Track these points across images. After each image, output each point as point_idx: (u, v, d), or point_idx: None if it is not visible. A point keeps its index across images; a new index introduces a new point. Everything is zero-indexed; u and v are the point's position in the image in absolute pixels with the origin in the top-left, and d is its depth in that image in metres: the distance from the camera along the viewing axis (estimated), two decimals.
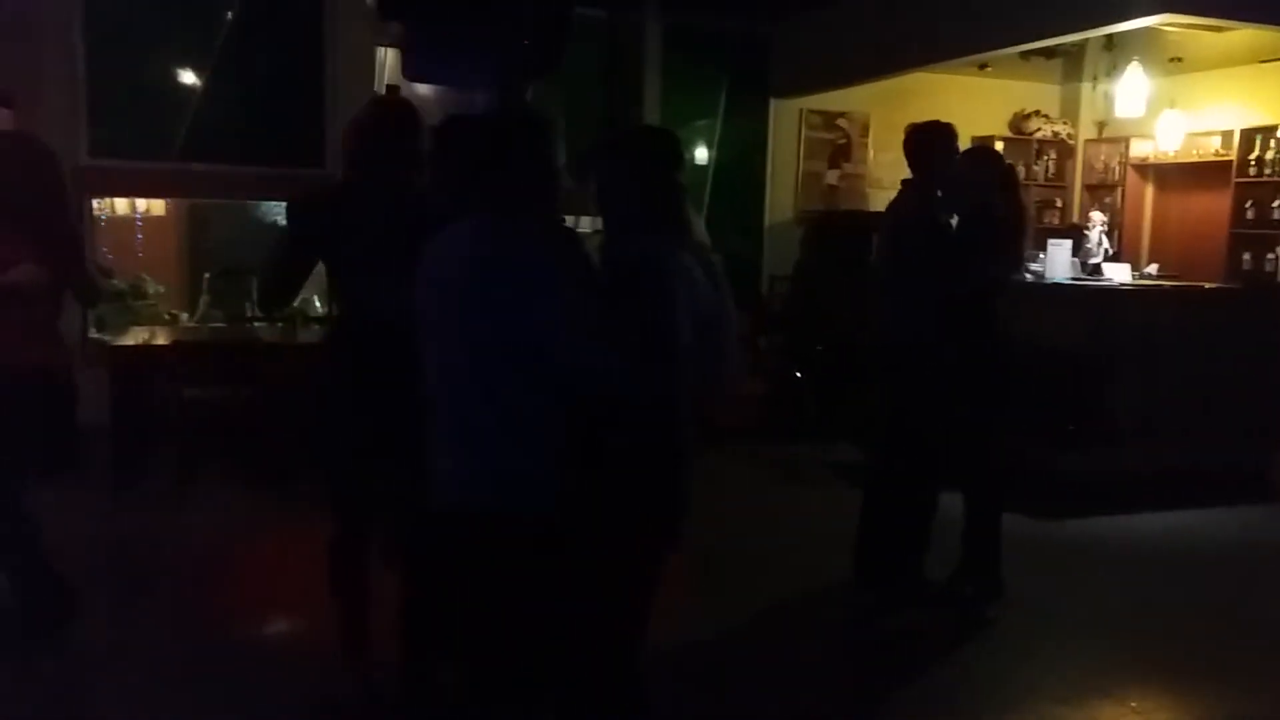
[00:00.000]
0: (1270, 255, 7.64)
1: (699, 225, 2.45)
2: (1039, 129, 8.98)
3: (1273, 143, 7.64)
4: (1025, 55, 7.29)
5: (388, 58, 6.74)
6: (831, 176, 8.55)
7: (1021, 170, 8.74)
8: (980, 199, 3.92)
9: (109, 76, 6.61)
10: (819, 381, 7.01)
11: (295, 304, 7.37)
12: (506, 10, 4.19)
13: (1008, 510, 4.17)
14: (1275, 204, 7.64)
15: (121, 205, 6.95)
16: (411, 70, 4.44)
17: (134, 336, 6.01)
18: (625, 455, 2.27)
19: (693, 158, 8.12)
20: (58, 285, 3.39)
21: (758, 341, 7.57)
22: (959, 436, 3.99)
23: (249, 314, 6.76)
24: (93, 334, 6.54)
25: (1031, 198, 8.69)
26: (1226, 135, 7.99)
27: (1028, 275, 6.13)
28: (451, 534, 2.29)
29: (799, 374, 7.13)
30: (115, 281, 6.83)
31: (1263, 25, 5.80)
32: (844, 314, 6.61)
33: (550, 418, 2.22)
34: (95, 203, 6.91)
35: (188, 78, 6.82)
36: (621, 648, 2.41)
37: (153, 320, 6.68)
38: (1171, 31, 6.49)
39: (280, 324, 6.80)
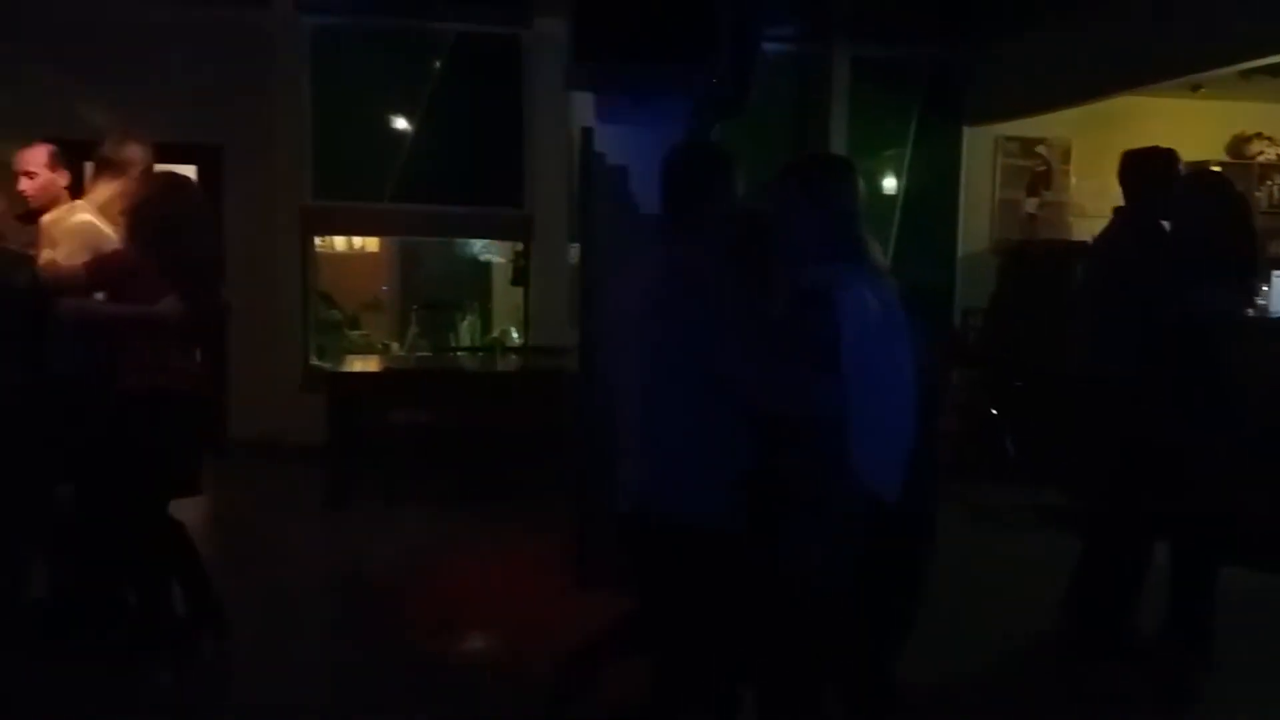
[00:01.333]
0: None
1: (876, 251, 2.45)
2: (1261, 152, 8.33)
3: None
4: (1246, 74, 6.81)
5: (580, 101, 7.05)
6: (1030, 205, 8.23)
7: None
8: (1204, 228, 3.68)
9: (332, 124, 7.19)
10: (1018, 420, 6.73)
11: (495, 334, 7.80)
12: (696, 52, 4.30)
13: (1229, 563, 3.87)
14: None
15: (339, 243, 7.51)
16: (604, 112, 4.63)
17: (349, 364, 6.48)
18: (804, 473, 2.31)
19: (880, 187, 8.01)
20: (198, 315, 3.54)
21: (950, 376, 7.35)
22: (1178, 480, 3.71)
23: (453, 344, 7.15)
24: (313, 361, 7.08)
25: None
26: None
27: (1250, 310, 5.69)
28: (634, 539, 2.46)
29: (995, 411, 6.86)
30: (334, 312, 7.39)
31: None
32: (1045, 349, 6.33)
33: (730, 434, 2.34)
34: (317, 240, 7.51)
35: (400, 124, 7.33)
36: (795, 671, 2.42)
37: (366, 349, 7.17)
38: None
39: (481, 354, 7.16)
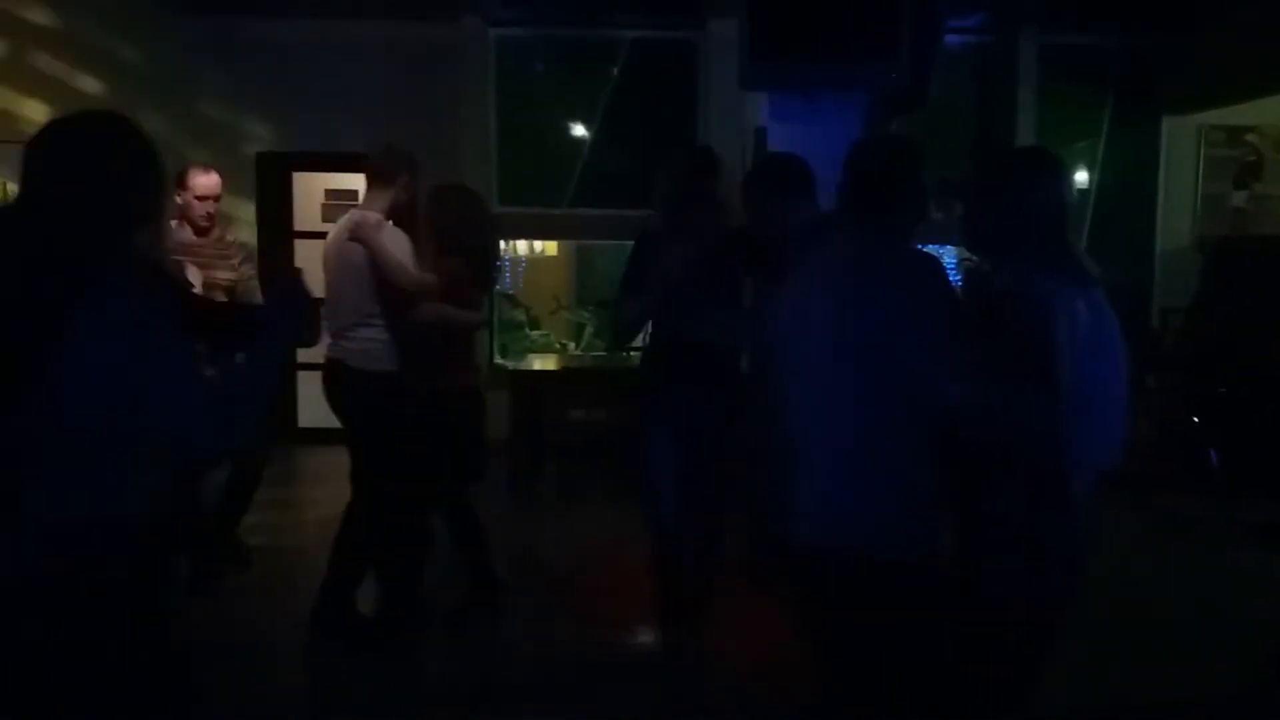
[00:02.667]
0: None
1: (1080, 251, 2.27)
2: None
3: None
4: None
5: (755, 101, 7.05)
6: (1238, 198, 7.64)
7: None
8: None
9: (515, 132, 7.48)
10: (1222, 428, 6.27)
11: None
12: (874, 47, 4.24)
13: None
14: None
15: (522, 247, 7.78)
16: (778, 111, 4.62)
17: (529, 363, 6.72)
18: (1010, 504, 2.12)
19: (1072, 181, 7.63)
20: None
21: (1146, 380, 6.92)
22: None
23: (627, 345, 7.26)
24: (496, 360, 7.37)
25: None
26: None
27: None
28: (816, 570, 2.25)
29: (1196, 419, 6.42)
30: (517, 312, 7.67)
31: None
32: (1254, 352, 5.88)
33: (922, 459, 2.14)
34: (502, 244, 7.79)
35: (578, 130, 7.54)
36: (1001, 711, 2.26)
37: (545, 349, 7.41)
38: None
39: None
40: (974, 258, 2.39)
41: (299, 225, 7.54)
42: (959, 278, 2.52)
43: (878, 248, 2.24)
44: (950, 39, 7.04)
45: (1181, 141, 7.66)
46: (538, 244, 7.86)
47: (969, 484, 2.15)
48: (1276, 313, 4.93)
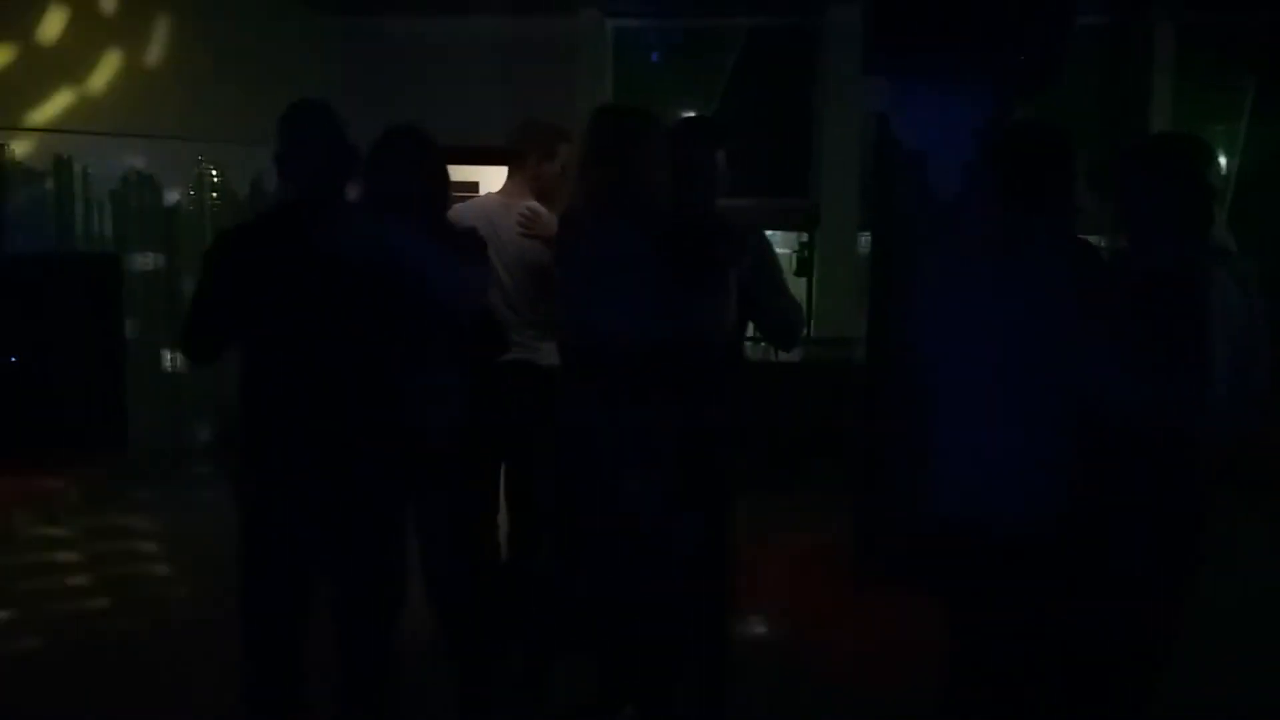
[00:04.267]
0: None
1: (1224, 232, 2.32)
2: None
3: None
4: None
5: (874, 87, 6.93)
6: None
7: None
8: None
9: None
10: None
11: None
12: (1004, 29, 4.11)
13: None
14: None
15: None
16: (900, 97, 4.52)
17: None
18: (1145, 484, 2.18)
19: (1218, 165, 7.28)
20: None
21: None
22: None
23: None
24: None
25: None
26: None
27: None
28: (960, 548, 2.34)
29: None
30: None
31: None
32: None
33: (1068, 440, 2.20)
34: None
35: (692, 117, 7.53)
36: (1123, 696, 2.28)
37: None
38: None
39: (762, 345, 7.21)
40: (1131, 239, 2.39)
41: None
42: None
43: (1030, 235, 2.27)
44: (1083, 20, 6.80)
45: None
46: None
47: (1106, 463, 2.20)
48: None
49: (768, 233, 8.74)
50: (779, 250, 8.53)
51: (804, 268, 7.55)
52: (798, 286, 7.79)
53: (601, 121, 2.76)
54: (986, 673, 2.39)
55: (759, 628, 4.08)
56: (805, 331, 7.35)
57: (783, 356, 7.14)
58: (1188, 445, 2.17)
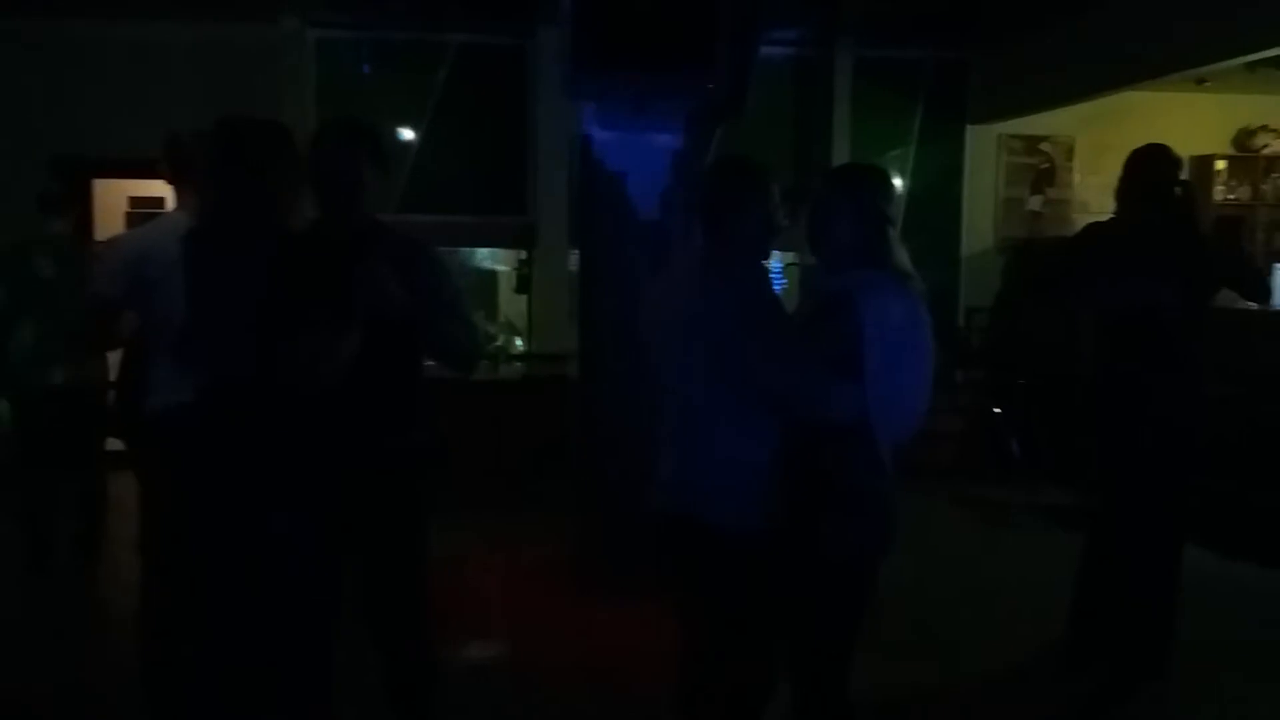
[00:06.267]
0: None
1: (904, 257, 2.53)
2: (1267, 145, 8.30)
3: None
4: (1251, 67, 6.79)
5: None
6: (1034, 203, 8.22)
7: (1247, 190, 8.15)
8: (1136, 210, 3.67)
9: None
10: (1022, 418, 6.72)
11: (499, 342, 7.84)
12: (693, 58, 4.33)
13: (1228, 557, 3.87)
14: None
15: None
16: (602, 119, 4.66)
17: None
18: (835, 469, 2.42)
19: (894, 193, 8.00)
20: None
21: (955, 376, 7.35)
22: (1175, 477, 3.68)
23: None
24: None
25: (1260, 219, 8.07)
26: None
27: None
28: (667, 538, 2.58)
29: (997, 410, 6.86)
30: None
31: None
32: (1049, 347, 6.33)
33: (758, 433, 2.44)
34: None
35: (405, 135, 7.39)
36: (828, 665, 2.50)
37: None
38: None
39: (484, 362, 7.18)
40: (799, 261, 2.68)
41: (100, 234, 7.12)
42: (783, 280, 2.83)
43: (709, 259, 2.55)
44: (770, 50, 7.29)
45: (983, 150, 8.17)
46: None
47: (801, 454, 2.45)
48: (1068, 309, 5.31)
49: (490, 250, 8.66)
50: (499, 268, 8.57)
51: (524, 285, 7.60)
52: (518, 304, 7.83)
53: (216, 135, 2.55)
54: (714, 666, 2.60)
55: (476, 644, 4.06)
56: (526, 348, 7.49)
57: (504, 373, 7.18)
58: (873, 444, 2.40)
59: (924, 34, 7.74)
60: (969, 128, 8.15)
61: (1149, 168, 3.71)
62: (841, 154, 7.77)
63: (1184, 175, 3.81)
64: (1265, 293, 3.91)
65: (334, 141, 2.62)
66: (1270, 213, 8.29)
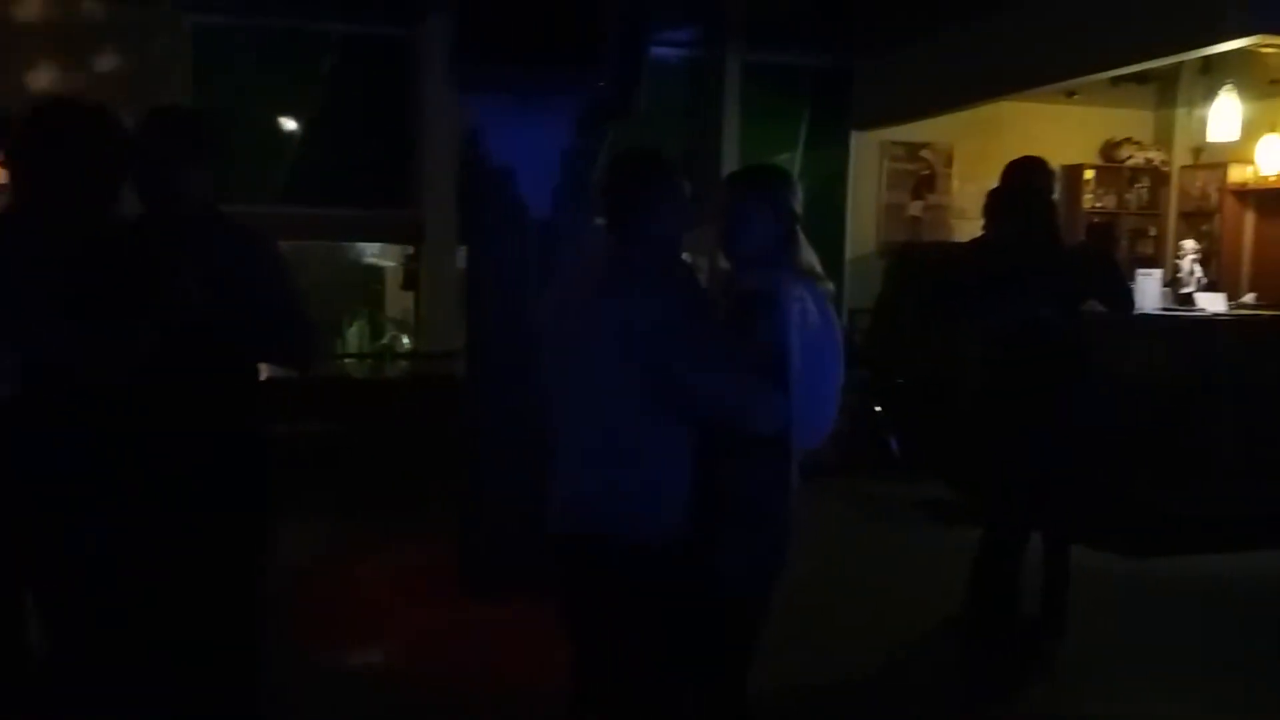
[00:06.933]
0: None
1: (813, 257, 2.52)
2: (1130, 156, 8.74)
3: None
4: (1116, 81, 7.15)
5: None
6: (915, 208, 8.47)
7: (1113, 199, 8.56)
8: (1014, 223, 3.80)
9: (214, 123, 6.96)
10: (901, 417, 6.92)
11: (385, 340, 7.68)
12: (582, 54, 4.31)
13: (1100, 548, 4.04)
14: None
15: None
16: (489, 113, 4.58)
17: None
18: (743, 485, 2.36)
19: (800, 194, 8.13)
20: None
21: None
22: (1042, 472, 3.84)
23: (339, 351, 7.00)
24: None
25: (1124, 227, 8.49)
26: None
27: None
28: (572, 557, 2.39)
29: (878, 409, 7.04)
30: None
31: None
32: (925, 348, 6.52)
33: (673, 448, 2.31)
34: None
35: (287, 125, 7.16)
36: (730, 679, 2.47)
37: None
38: (1270, 53, 6.30)
39: (370, 361, 7.04)
40: (693, 263, 2.60)
41: None
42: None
43: (628, 257, 2.35)
44: (663, 51, 7.33)
45: (867, 156, 8.39)
46: None
47: (711, 469, 2.34)
48: (944, 311, 5.47)
49: (377, 245, 8.44)
50: (386, 263, 8.39)
51: (411, 281, 7.46)
52: (405, 300, 7.69)
53: (31, 118, 2.42)
54: (605, 675, 2.46)
55: (355, 646, 3.96)
56: (414, 346, 7.33)
57: (390, 372, 7.03)
58: (779, 446, 2.36)
59: (808, 41, 7.89)
60: (853, 134, 8.34)
61: (1024, 181, 3.81)
62: (731, 157, 7.86)
63: (1056, 187, 3.95)
64: (1130, 308, 4.07)
65: (152, 132, 2.53)
66: (1134, 220, 8.74)
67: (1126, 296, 4.04)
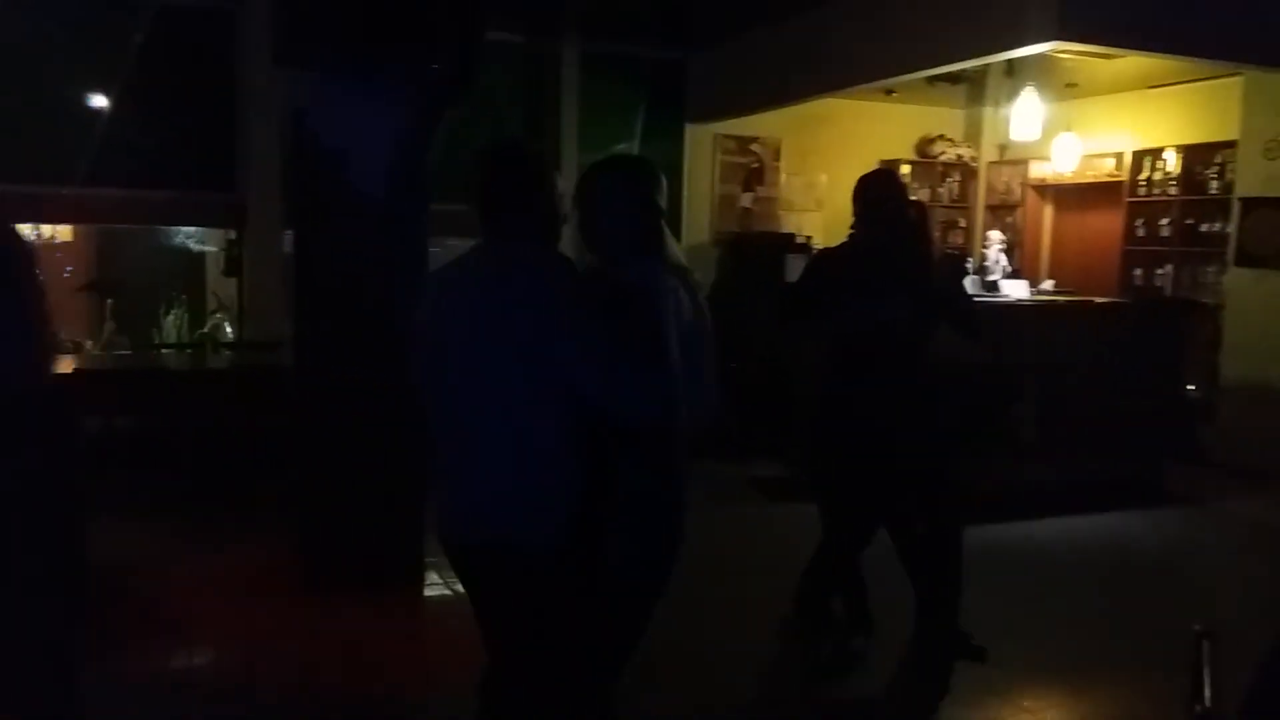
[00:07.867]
0: (1160, 270, 8.00)
1: (675, 248, 2.54)
2: (944, 152, 9.28)
3: (1159, 164, 8.03)
4: (931, 81, 7.54)
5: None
6: (746, 200, 8.71)
7: (927, 193, 9.05)
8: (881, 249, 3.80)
9: (9, 99, 6.45)
10: (735, 400, 7.10)
11: (206, 329, 7.32)
12: (414, 36, 4.22)
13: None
14: (1163, 222, 8.01)
15: (25, 231, 6.78)
16: (318, 94, 4.43)
17: None
18: (635, 476, 2.36)
19: (663, 185, 8.17)
20: None
21: None
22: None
23: (157, 341, 6.63)
24: None
25: (936, 219, 8.98)
26: (1119, 157, 8.36)
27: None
28: (468, 566, 2.36)
29: None
30: None
31: (1147, 53, 6.10)
32: (757, 333, 6.73)
33: (566, 448, 2.23)
34: None
35: (95, 101, 6.70)
36: (608, 671, 2.48)
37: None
38: (1066, 58, 6.78)
39: (190, 350, 6.70)
40: (597, 255, 2.52)
41: None
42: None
43: (503, 254, 2.29)
44: (504, 38, 7.26)
45: (701, 148, 8.56)
46: (46, 228, 6.90)
47: (602, 466, 2.31)
48: (774, 299, 5.64)
49: (197, 229, 7.99)
50: (206, 248, 7.99)
51: (233, 267, 7.13)
52: (228, 286, 7.34)
53: None
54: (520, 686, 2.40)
55: (186, 647, 3.79)
56: (237, 335, 7.00)
57: (213, 362, 6.71)
58: (666, 434, 2.35)
59: (643, 33, 7.98)
60: (687, 126, 8.50)
61: (875, 191, 3.86)
62: (570, 147, 7.88)
63: (908, 195, 4.01)
64: (978, 333, 4.03)
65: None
66: (946, 213, 9.27)
67: (978, 324, 3.97)
